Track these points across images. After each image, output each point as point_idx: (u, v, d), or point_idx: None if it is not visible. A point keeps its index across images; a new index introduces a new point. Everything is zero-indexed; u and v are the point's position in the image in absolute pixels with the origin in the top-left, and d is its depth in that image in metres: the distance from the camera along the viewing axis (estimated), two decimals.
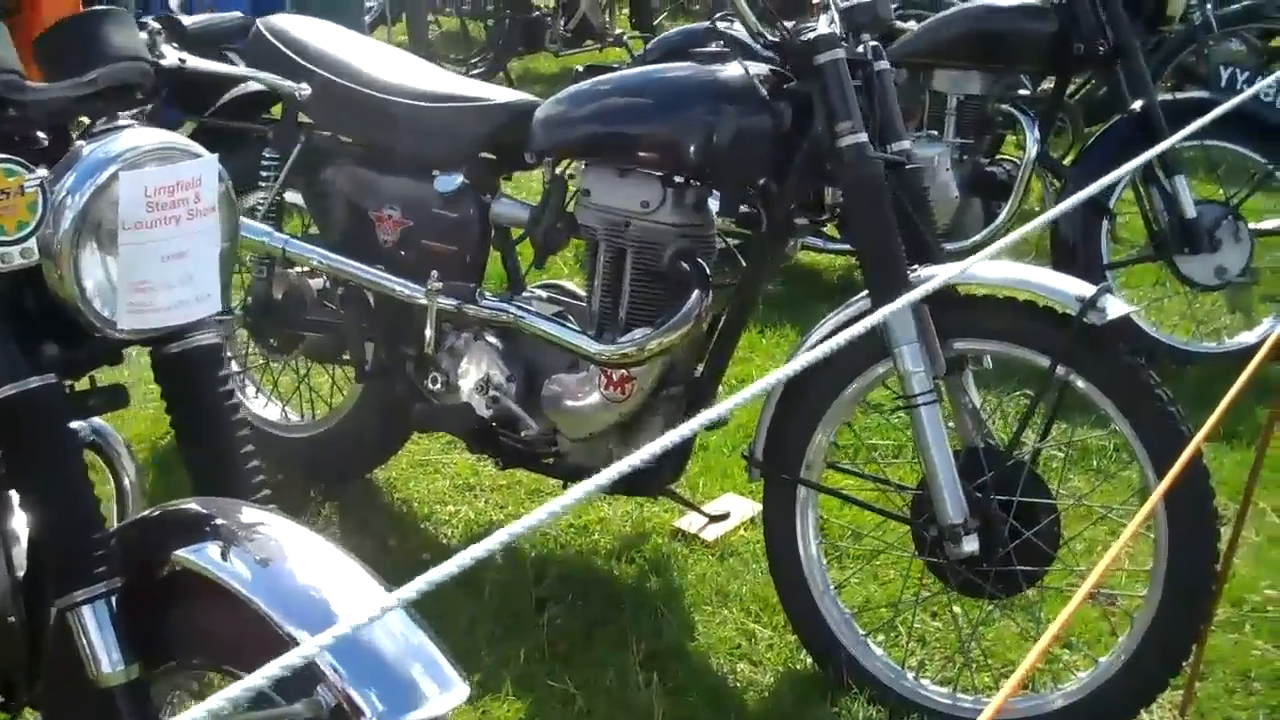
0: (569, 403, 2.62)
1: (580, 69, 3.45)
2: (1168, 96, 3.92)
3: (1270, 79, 4.30)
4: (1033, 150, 3.95)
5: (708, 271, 2.49)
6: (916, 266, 2.32)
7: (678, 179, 2.48)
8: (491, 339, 2.70)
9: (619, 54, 8.31)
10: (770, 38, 2.42)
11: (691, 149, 2.42)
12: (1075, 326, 2.17)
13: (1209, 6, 5.14)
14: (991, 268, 2.30)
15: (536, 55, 8.25)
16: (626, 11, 8.67)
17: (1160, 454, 2.14)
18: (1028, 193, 4.09)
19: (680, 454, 2.66)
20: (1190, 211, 3.85)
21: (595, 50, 8.04)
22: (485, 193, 2.76)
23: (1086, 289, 2.21)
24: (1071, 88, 4.56)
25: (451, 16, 8.16)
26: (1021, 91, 4.31)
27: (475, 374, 2.70)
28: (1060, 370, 2.22)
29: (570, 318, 2.68)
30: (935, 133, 4.18)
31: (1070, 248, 3.92)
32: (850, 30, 2.39)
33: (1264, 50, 5.75)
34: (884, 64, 2.45)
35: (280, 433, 3.20)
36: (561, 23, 7.82)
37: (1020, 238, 1.71)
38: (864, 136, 2.31)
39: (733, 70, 2.46)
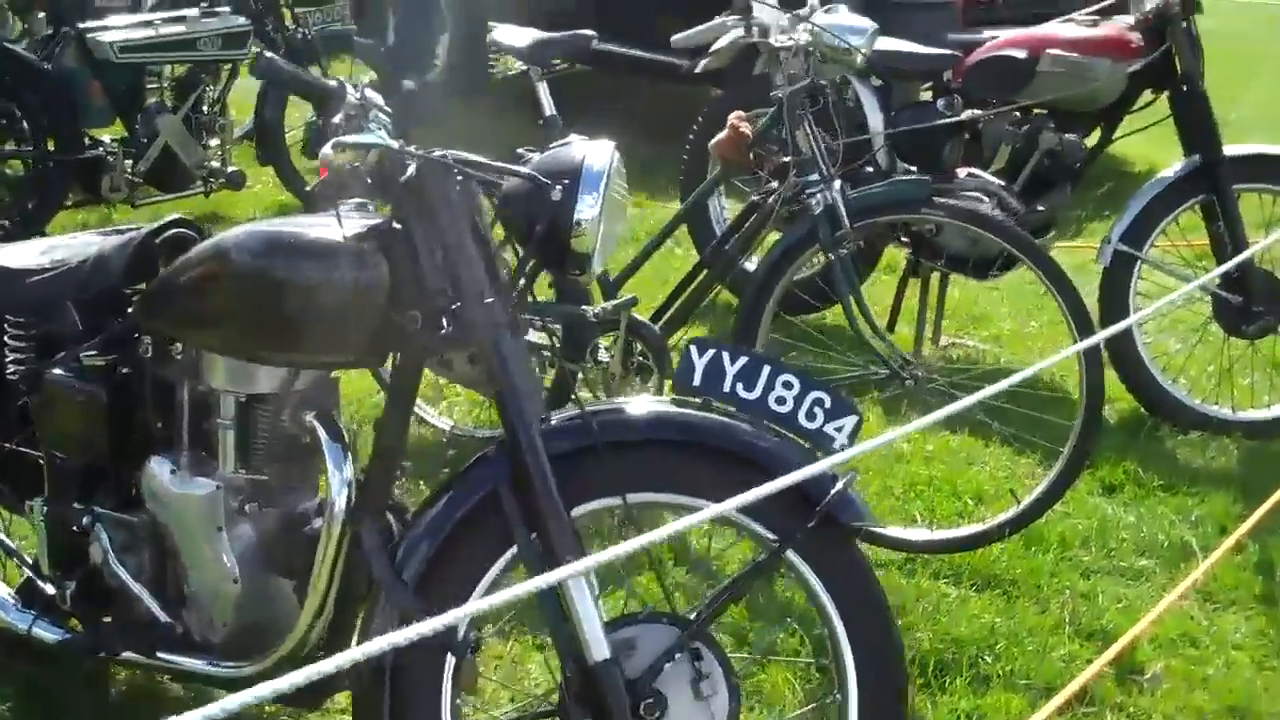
0: None
1: None
2: (604, 409, 2.05)
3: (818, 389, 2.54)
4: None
5: None
6: None
7: None
8: None
9: (231, 201, 6.32)
10: None
11: None
12: None
13: (839, 187, 3.27)
14: None
15: (100, 208, 6.06)
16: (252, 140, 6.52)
17: None
18: None
19: None
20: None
21: (193, 196, 6.00)
22: None
23: None
24: None
25: None
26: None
27: None
28: None
29: None
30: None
31: None
32: None
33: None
34: None
35: None
36: (129, 163, 5.77)
37: None
38: None
39: None
